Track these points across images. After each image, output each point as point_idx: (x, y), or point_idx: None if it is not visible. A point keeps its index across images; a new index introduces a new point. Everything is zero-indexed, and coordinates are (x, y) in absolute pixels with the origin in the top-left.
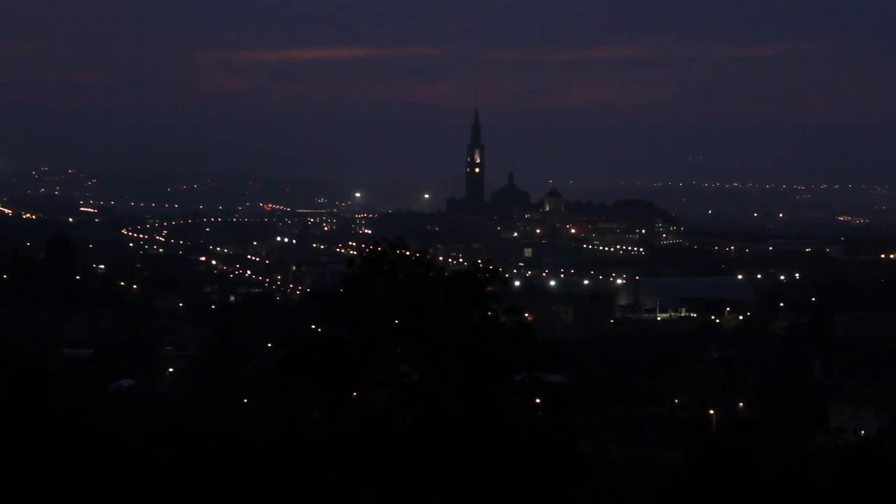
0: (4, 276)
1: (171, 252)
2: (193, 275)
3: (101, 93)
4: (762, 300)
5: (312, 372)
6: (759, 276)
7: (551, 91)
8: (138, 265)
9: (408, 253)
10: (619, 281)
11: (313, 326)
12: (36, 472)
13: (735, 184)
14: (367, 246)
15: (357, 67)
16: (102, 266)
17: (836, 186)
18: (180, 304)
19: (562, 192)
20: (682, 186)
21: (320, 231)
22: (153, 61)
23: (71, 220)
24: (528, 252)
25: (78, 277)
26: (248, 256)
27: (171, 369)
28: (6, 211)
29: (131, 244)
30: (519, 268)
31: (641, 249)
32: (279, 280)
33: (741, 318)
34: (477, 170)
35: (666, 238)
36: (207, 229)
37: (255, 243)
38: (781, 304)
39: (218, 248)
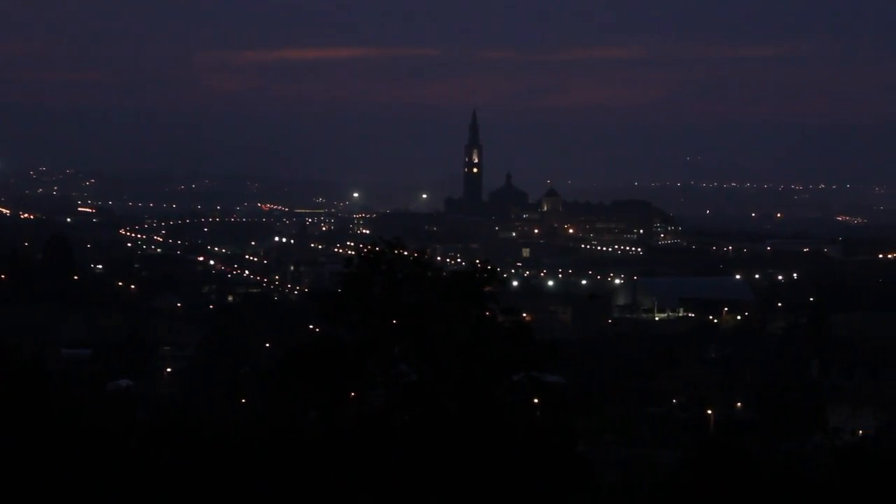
0: (2, 276)
1: (170, 252)
2: (192, 275)
3: (99, 93)
4: (760, 300)
5: (310, 372)
6: (757, 276)
7: (549, 91)
8: (136, 265)
9: (406, 253)
10: (617, 281)
11: (311, 326)
12: (34, 472)
13: (733, 184)
14: (365, 246)
15: (355, 67)
16: (101, 266)
17: (835, 186)
18: (178, 305)
19: (560, 192)
20: (680, 186)
21: (318, 231)
22: (152, 61)
23: (69, 220)
24: (526, 252)
25: (76, 277)
26: (247, 256)
27: (169, 369)
28: (4, 211)
29: (129, 244)
30: (517, 268)
31: (639, 249)
32: (277, 280)
33: (739, 318)
34: (475, 170)
35: (664, 238)
36: (205, 229)
37: (253, 243)
38: (779, 304)
39: (216, 248)
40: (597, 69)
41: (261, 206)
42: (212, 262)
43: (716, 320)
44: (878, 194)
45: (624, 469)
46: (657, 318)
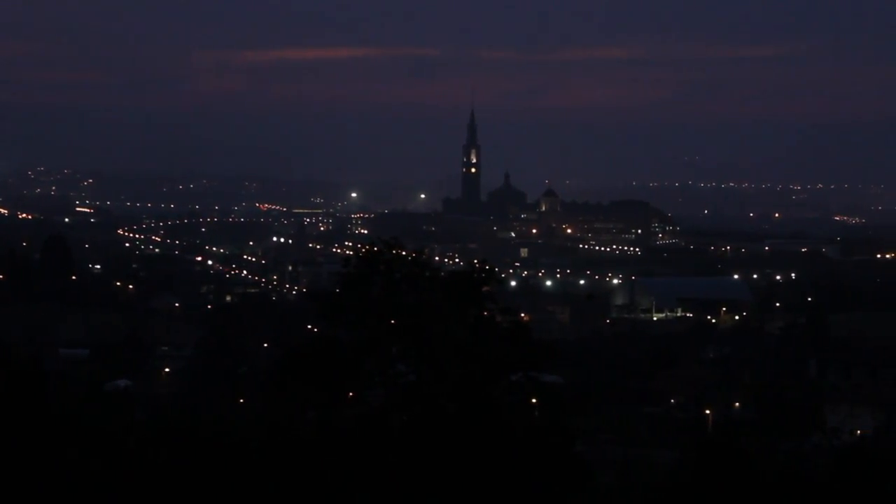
0: (1, 277)
1: (168, 252)
2: (190, 275)
3: (98, 93)
4: (758, 300)
5: (308, 372)
6: (755, 276)
7: (548, 91)
8: (134, 265)
9: (404, 253)
10: (615, 281)
11: (309, 326)
12: (32, 472)
13: (731, 184)
14: (363, 246)
15: (353, 67)
16: (99, 266)
17: (833, 186)
18: (176, 305)
19: (558, 192)
20: (679, 186)
21: (316, 231)
22: (151, 61)
23: (67, 220)
24: (524, 252)
25: (74, 277)
26: (245, 256)
27: (167, 369)
28: (2, 211)
29: (127, 244)
30: (515, 268)
31: (637, 249)
32: (275, 280)
33: (737, 318)
34: (473, 170)
35: (662, 238)
36: (204, 229)
37: (251, 243)
38: (777, 304)
39: (214, 249)
40: (595, 69)
41: (259, 206)
42: (210, 263)
43: (714, 320)
44: (877, 194)
45: (622, 469)
46: (655, 318)
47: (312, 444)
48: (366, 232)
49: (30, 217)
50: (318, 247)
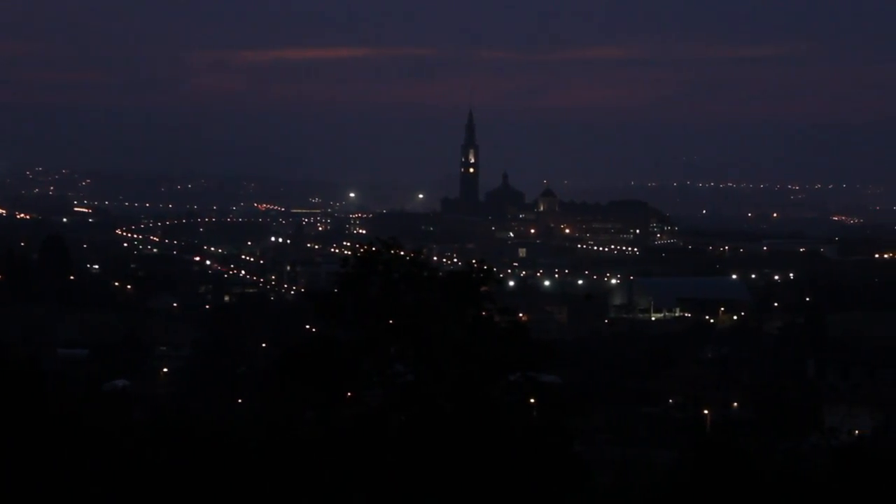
0: None
1: (166, 252)
2: (188, 275)
3: (95, 92)
4: (756, 300)
5: (306, 372)
6: (753, 276)
7: (546, 91)
8: (133, 265)
9: (402, 253)
10: (613, 281)
11: (307, 326)
12: (29, 472)
13: (729, 184)
14: (361, 246)
15: (352, 67)
16: (97, 266)
17: (831, 186)
18: (175, 305)
19: (556, 192)
20: (677, 186)
21: (315, 231)
22: (149, 61)
23: (65, 220)
24: (522, 252)
25: (72, 278)
26: (243, 256)
27: (165, 369)
28: (0, 211)
29: (126, 244)
30: (513, 268)
31: (636, 249)
32: (273, 280)
33: (735, 318)
34: (471, 170)
35: (660, 238)
36: (202, 229)
37: (249, 243)
38: (776, 304)
39: (212, 248)
40: (595, 69)
41: (257, 206)
42: (208, 262)
43: (712, 320)
44: (875, 194)
45: (620, 469)
46: (653, 318)
47: (310, 444)
48: (364, 232)
49: (28, 217)
50: (317, 247)
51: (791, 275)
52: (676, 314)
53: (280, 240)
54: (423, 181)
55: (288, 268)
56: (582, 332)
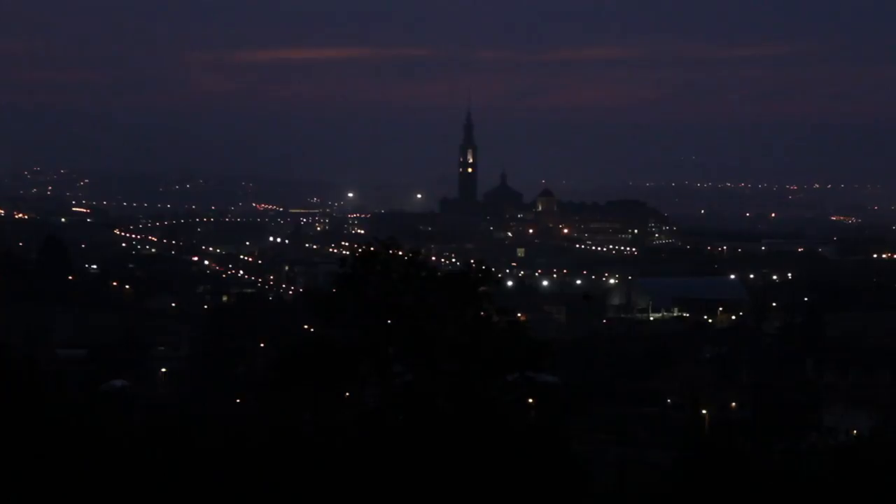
0: None
1: (164, 252)
2: (186, 275)
3: (93, 93)
4: (755, 300)
5: (305, 372)
6: (751, 275)
7: (544, 91)
8: (131, 265)
9: (400, 253)
10: (611, 281)
11: (306, 326)
12: (28, 472)
13: (728, 184)
14: (359, 246)
15: (350, 67)
16: (95, 266)
17: (829, 186)
18: (173, 305)
19: (554, 192)
20: (675, 186)
21: (313, 231)
22: (146, 61)
23: (63, 220)
24: (520, 252)
25: (71, 278)
26: (241, 256)
27: (163, 369)
28: None
29: (124, 244)
30: (512, 268)
31: (634, 249)
32: (272, 280)
33: (734, 318)
34: (470, 170)
35: (658, 238)
36: (200, 229)
37: (247, 243)
38: (774, 304)
39: (210, 249)
40: (592, 69)
41: (255, 206)
42: (206, 263)
43: (710, 320)
44: (873, 194)
45: (618, 469)
46: (652, 318)
47: (309, 444)
48: (362, 232)
49: (26, 217)
50: (315, 247)
51: (789, 275)
52: (675, 314)
53: (278, 240)
54: (422, 181)
55: (286, 268)
56: (580, 332)
